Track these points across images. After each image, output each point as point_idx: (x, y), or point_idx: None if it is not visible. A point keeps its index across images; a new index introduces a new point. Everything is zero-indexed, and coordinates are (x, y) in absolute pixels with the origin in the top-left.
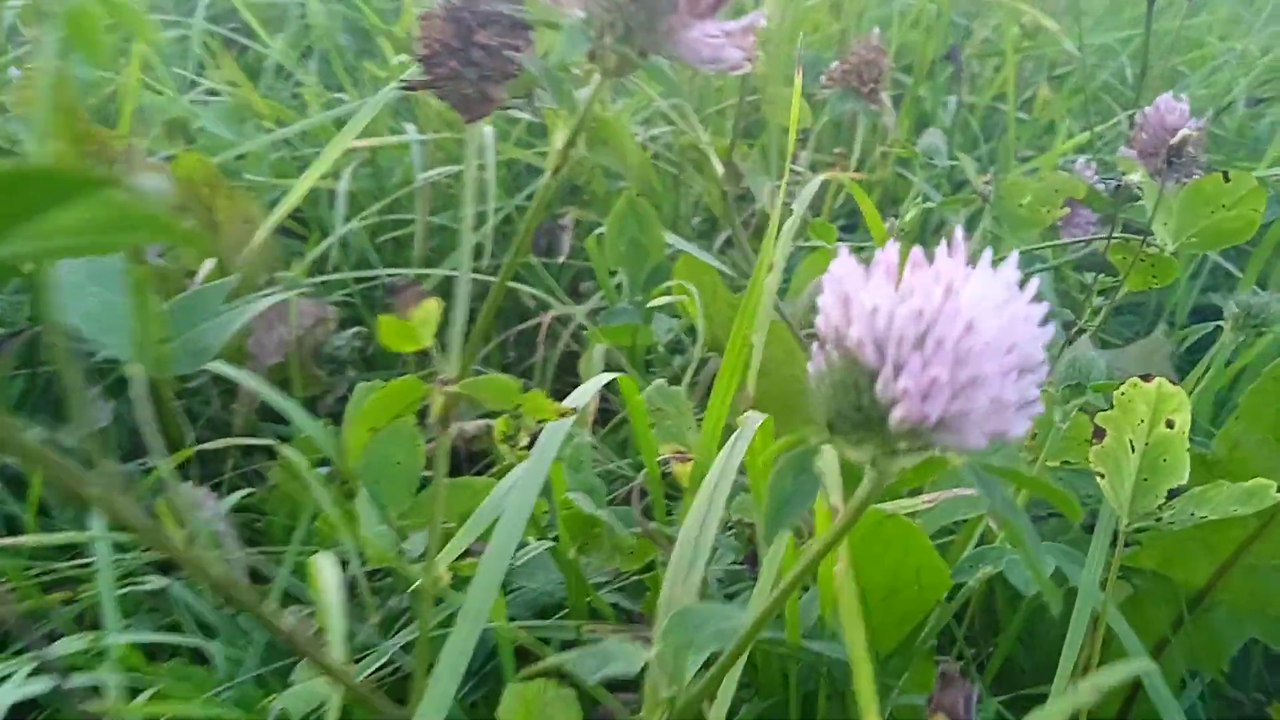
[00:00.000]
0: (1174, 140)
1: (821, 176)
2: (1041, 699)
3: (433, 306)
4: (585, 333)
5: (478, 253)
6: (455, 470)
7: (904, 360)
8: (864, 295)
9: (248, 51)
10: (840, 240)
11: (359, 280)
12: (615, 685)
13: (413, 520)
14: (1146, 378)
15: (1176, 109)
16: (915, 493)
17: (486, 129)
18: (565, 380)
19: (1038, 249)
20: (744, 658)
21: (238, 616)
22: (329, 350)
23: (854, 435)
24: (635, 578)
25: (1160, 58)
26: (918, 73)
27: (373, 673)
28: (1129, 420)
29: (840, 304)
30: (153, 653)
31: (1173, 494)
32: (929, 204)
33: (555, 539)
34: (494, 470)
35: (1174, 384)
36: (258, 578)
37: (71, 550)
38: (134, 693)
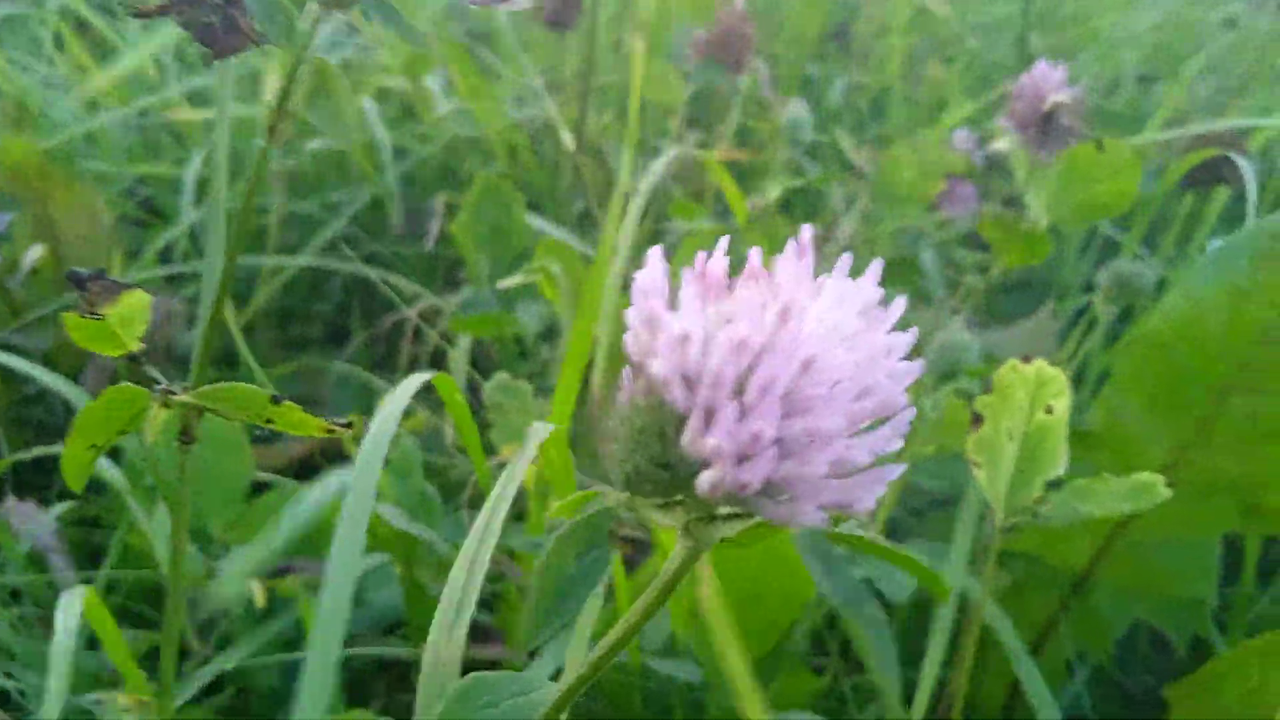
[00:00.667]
0: (1045, 107)
1: (673, 151)
2: None
3: (135, 302)
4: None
5: (332, 244)
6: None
7: (718, 406)
8: (671, 318)
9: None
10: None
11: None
12: None
13: (240, 533)
14: (1028, 359)
15: (1053, 77)
16: None
17: (369, 103)
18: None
19: (920, 227)
20: None
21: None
22: (180, 349)
23: (658, 497)
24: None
25: (1050, 34)
26: (799, 47)
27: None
28: (1008, 407)
29: (645, 327)
30: None
31: (1053, 484)
32: (798, 182)
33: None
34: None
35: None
36: None
37: None
38: None
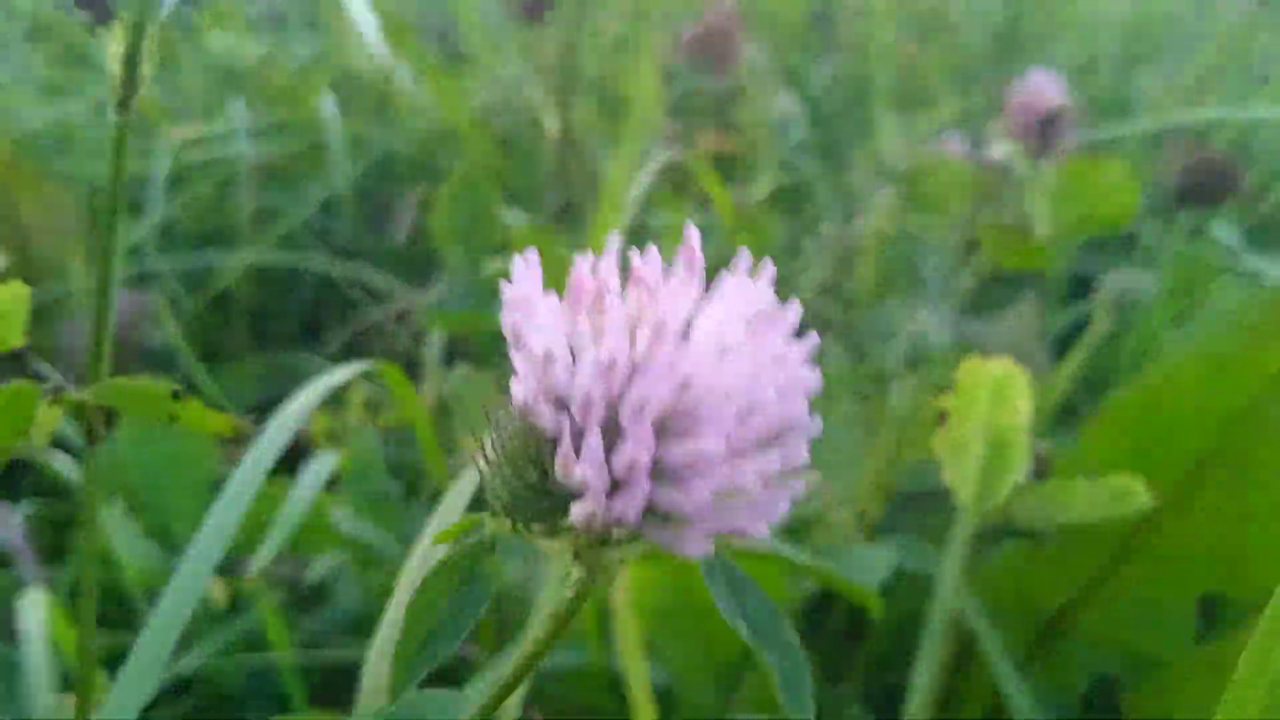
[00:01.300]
0: (1044, 118)
1: (662, 157)
2: None
3: (10, 296)
4: None
5: (324, 235)
6: None
7: (587, 432)
8: (534, 334)
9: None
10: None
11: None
12: None
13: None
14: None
15: (1049, 88)
16: None
17: (328, 100)
18: (413, 372)
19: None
20: None
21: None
22: (153, 347)
23: (539, 525)
24: None
25: (1030, 18)
26: (781, 34)
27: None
28: (970, 407)
29: (513, 342)
30: None
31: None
32: (785, 180)
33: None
34: None
35: (1043, 360)
36: None
37: None
38: None
